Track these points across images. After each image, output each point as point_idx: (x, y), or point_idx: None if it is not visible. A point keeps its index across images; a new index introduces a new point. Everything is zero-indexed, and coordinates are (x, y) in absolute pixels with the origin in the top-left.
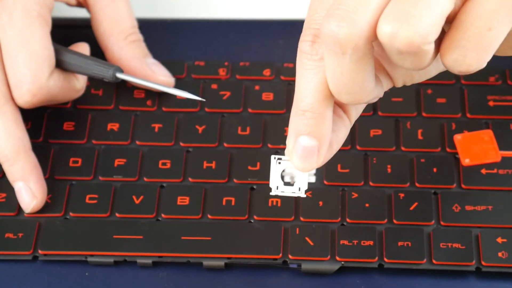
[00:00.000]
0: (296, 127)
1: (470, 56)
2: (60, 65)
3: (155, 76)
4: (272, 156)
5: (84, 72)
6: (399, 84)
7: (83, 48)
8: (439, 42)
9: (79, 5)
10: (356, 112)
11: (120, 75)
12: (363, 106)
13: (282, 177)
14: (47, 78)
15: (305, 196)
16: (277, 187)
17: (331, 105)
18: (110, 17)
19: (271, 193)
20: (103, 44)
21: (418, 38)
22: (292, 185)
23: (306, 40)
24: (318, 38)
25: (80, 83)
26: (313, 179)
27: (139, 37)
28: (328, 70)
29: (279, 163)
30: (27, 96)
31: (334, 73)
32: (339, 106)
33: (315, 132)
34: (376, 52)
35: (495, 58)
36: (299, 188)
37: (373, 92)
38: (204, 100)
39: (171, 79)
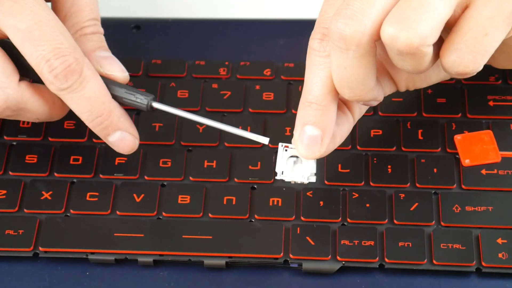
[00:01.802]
0: (303, 117)
1: (467, 58)
2: None
3: (101, 70)
4: (280, 144)
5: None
6: (402, 89)
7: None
8: (439, 48)
9: None
10: (359, 111)
11: (156, 105)
12: (366, 107)
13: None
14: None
15: (307, 182)
16: (282, 172)
17: (335, 99)
18: (65, 10)
19: (276, 177)
20: None
21: (417, 39)
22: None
23: (315, 38)
24: (326, 36)
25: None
26: (313, 179)
27: (94, 29)
28: (333, 65)
29: (286, 150)
30: None
31: (338, 67)
32: (344, 103)
33: (320, 123)
34: (381, 56)
35: None
36: (303, 175)
37: (373, 91)
38: (267, 142)
39: (121, 74)
